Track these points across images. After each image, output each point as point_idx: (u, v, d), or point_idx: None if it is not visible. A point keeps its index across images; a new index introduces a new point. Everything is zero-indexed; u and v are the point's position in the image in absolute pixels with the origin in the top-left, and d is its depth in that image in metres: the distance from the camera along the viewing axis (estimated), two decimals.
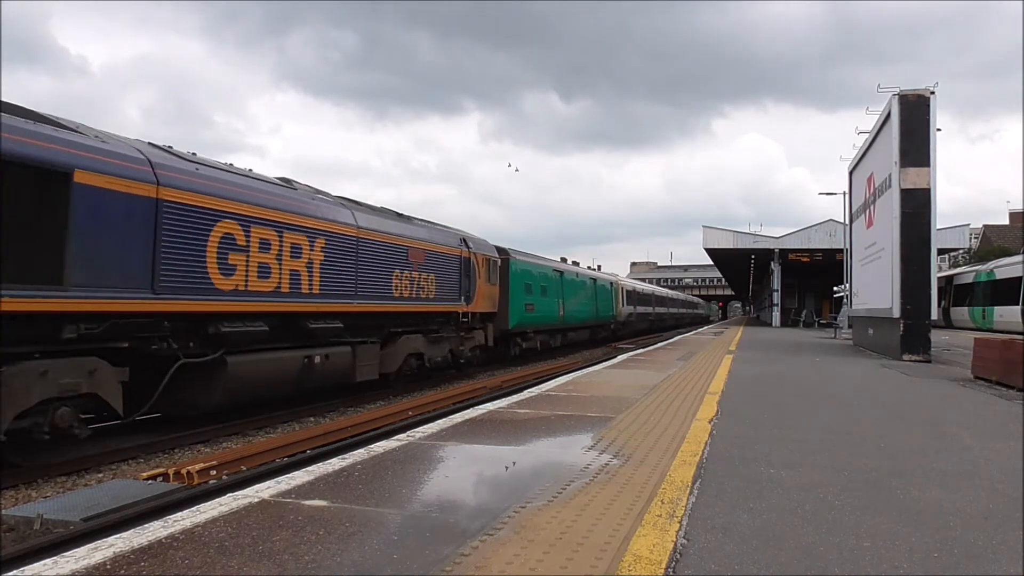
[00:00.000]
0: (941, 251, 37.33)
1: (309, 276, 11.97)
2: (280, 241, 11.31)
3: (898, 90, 16.36)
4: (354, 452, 5.55)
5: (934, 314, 16.31)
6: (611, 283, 39.75)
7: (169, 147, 10.30)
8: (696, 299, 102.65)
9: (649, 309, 51.58)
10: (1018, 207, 66.77)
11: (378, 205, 16.54)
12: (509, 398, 9.08)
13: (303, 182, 13.99)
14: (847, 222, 29.08)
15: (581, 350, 32.15)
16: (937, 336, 18.49)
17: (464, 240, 18.80)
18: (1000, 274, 30.87)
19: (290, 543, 3.32)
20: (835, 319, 36.52)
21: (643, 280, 77.13)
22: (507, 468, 5.02)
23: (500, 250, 22.00)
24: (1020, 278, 28.03)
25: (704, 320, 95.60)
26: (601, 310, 36.21)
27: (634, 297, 45.72)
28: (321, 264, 12.27)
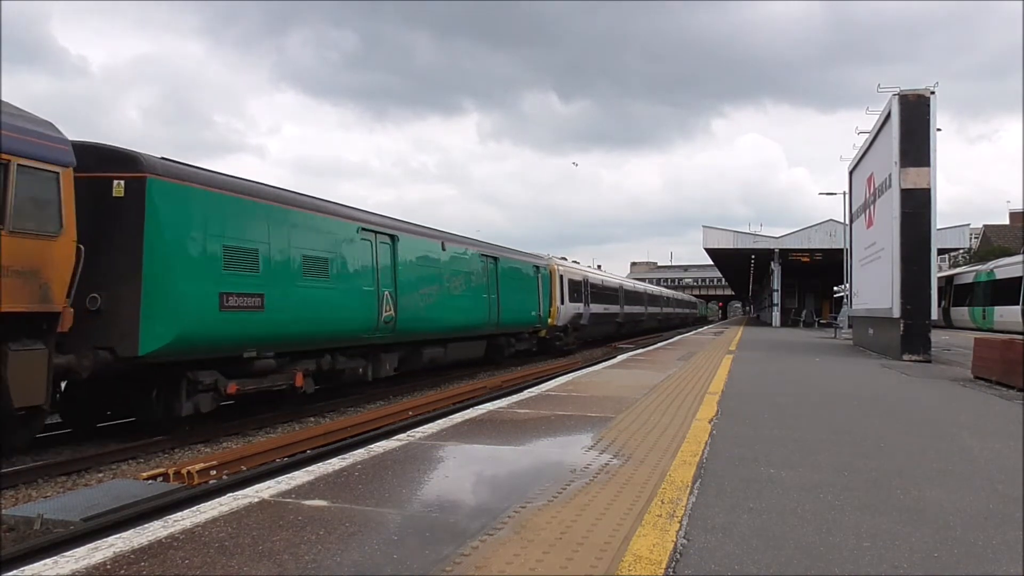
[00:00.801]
0: (941, 251, 37.30)
1: None
2: None
3: (898, 90, 16.36)
4: (354, 452, 5.55)
5: (934, 314, 16.30)
6: (537, 268, 25.57)
7: None
8: (690, 298, 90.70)
9: (615, 309, 38.90)
10: (1018, 207, 66.73)
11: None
12: (509, 398, 9.08)
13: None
14: (847, 222, 29.09)
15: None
16: (937, 336, 18.48)
17: None
18: (1000, 274, 30.86)
19: (290, 543, 3.32)
20: (835, 319, 36.54)
21: (643, 280, 71.91)
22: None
23: (100, 154, 9.56)
24: (1020, 278, 28.02)
25: (700, 322, 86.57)
26: (510, 310, 21.85)
27: (585, 292, 32.00)
28: None
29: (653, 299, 54.50)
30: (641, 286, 52.22)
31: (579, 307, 31.12)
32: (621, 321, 41.06)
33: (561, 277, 28.68)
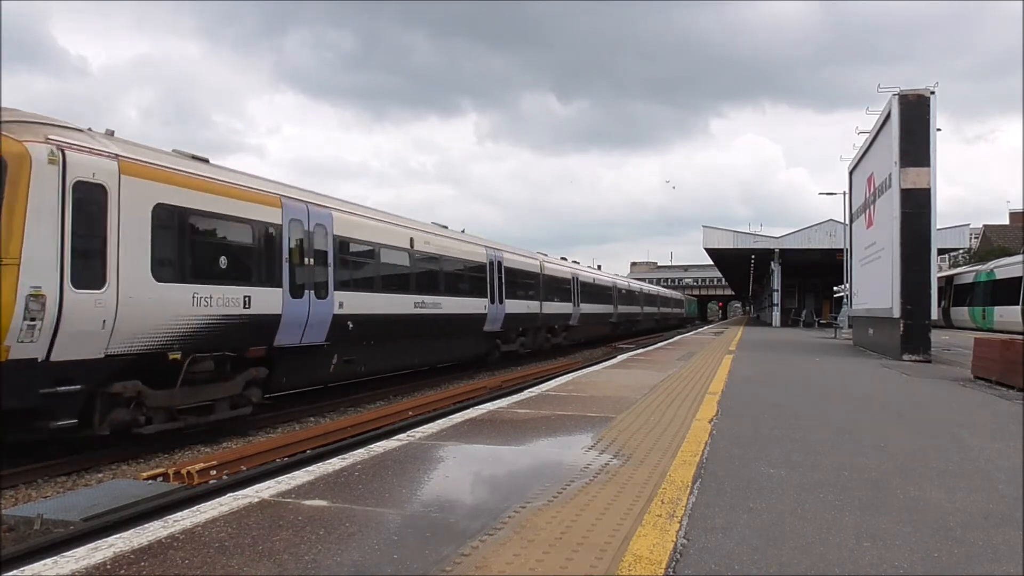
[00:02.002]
0: (941, 251, 37.32)
1: None
2: None
3: (898, 90, 16.35)
4: (354, 452, 5.55)
5: (934, 314, 16.30)
6: None
7: None
8: (671, 293, 70.04)
9: (474, 307, 19.77)
10: (1018, 207, 66.70)
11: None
12: (509, 398, 9.08)
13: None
14: (847, 222, 29.08)
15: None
16: (937, 336, 18.47)
17: None
18: (1000, 274, 30.87)
19: (290, 543, 3.32)
20: (835, 319, 36.54)
21: (644, 280, 64.93)
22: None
23: None
24: (1020, 278, 28.02)
25: (688, 323, 72.83)
26: None
27: (298, 252, 12.16)
28: None
29: (597, 293, 34.08)
30: (566, 269, 29.97)
31: (206, 295, 10.17)
32: (500, 330, 21.52)
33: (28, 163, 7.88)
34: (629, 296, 43.79)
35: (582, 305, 31.15)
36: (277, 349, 11.72)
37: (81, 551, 3.21)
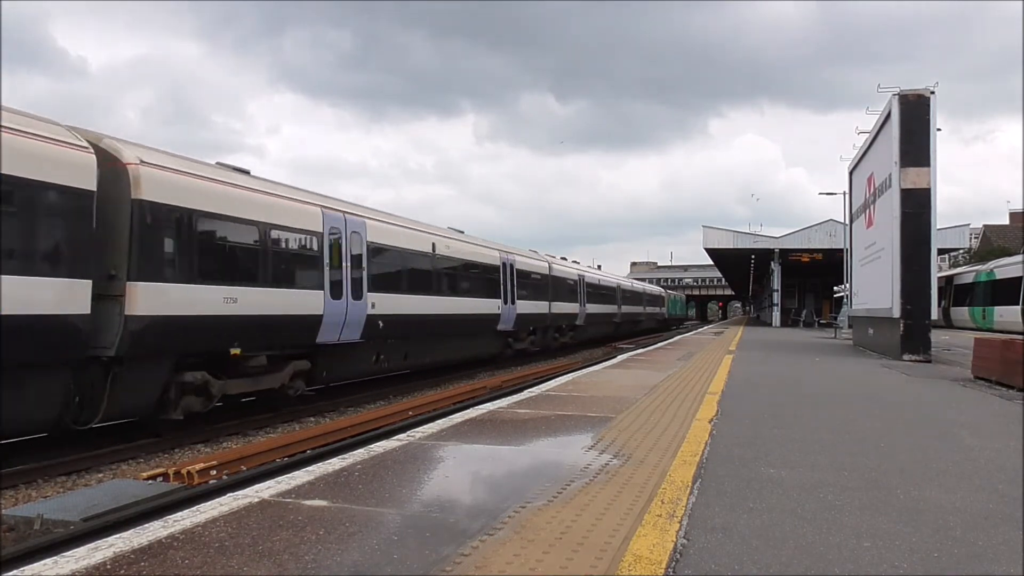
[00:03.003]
0: (941, 251, 37.29)
1: None
2: None
3: (898, 90, 16.35)
4: (354, 452, 5.55)
5: (934, 314, 16.29)
6: None
7: None
8: (639, 286, 51.58)
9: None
10: (1018, 207, 66.64)
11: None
12: (509, 398, 9.08)
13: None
14: (847, 222, 29.08)
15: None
16: (937, 336, 18.47)
17: None
18: (1000, 274, 30.87)
19: (290, 543, 3.32)
20: (835, 319, 36.54)
21: (644, 280, 62.39)
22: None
23: None
24: (1020, 278, 28.03)
25: (670, 325, 60.85)
26: None
27: None
28: None
29: (461, 277, 19.67)
30: (386, 224, 15.63)
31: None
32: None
33: None
34: (556, 287, 27.56)
35: (383, 297, 14.94)
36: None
37: (81, 551, 3.21)
